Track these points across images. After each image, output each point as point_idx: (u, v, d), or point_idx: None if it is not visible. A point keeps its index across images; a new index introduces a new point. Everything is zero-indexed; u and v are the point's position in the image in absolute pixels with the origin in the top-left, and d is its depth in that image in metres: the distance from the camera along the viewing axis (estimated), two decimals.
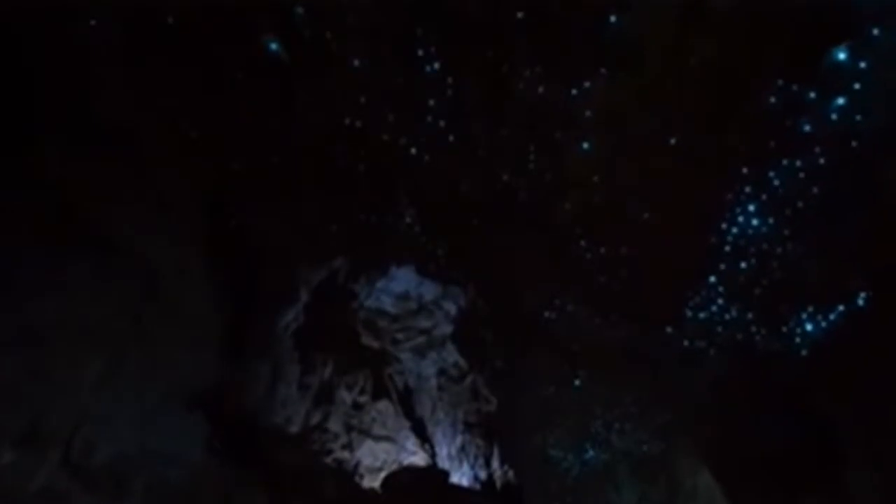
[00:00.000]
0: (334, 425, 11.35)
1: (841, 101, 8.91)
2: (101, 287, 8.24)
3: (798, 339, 10.78)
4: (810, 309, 10.47)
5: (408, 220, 10.94)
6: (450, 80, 9.22)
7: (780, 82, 8.98)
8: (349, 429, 11.54)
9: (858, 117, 8.89)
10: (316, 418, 11.16)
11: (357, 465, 11.37)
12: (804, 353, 10.72)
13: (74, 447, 7.99)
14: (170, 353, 9.02)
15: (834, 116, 9.01)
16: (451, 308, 12.68)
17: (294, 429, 10.81)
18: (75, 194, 8.29)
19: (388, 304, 12.52)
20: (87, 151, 8.43)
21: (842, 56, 8.63)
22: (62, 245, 8.06)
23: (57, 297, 7.97)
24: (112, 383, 8.38)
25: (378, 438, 11.70)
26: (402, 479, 11.35)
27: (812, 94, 8.97)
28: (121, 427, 8.42)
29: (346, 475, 11.13)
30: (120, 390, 8.40)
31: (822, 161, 9.32)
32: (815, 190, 9.49)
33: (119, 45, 8.49)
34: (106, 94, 8.52)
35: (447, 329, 12.77)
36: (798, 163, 9.44)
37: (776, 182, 9.67)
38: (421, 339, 12.71)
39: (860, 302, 10.07)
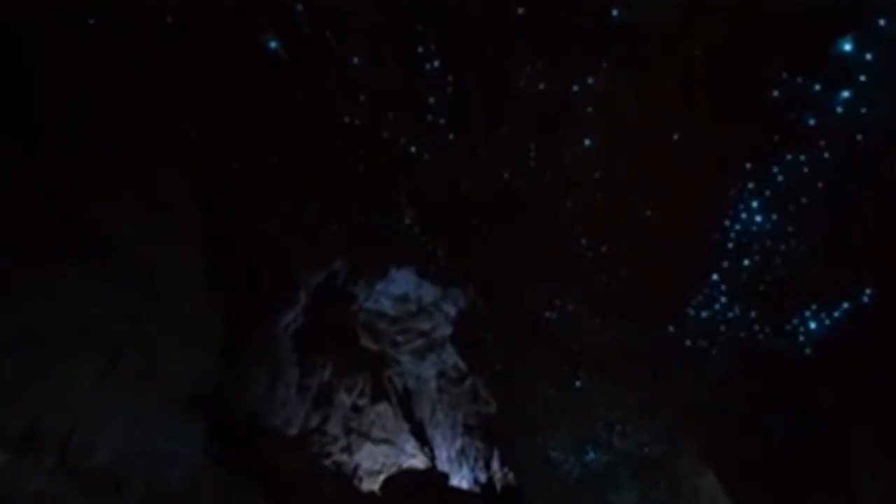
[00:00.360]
0: (333, 428, 11.29)
1: (846, 93, 8.76)
2: (99, 287, 8.18)
3: (802, 338, 10.65)
4: (814, 307, 10.33)
5: (407, 220, 10.91)
6: (450, 77, 9.17)
7: (785, 75, 8.85)
8: (348, 431, 11.47)
9: (864, 110, 8.75)
10: (315, 421, 11.09)
11: (356, 467, 11.31)
12: (808, 351, 10.59)
13: (72, 449, 7.88)
14: (169, 354, 8.93)
15: (839, 109, 8.86)
16: (451, 310, 12.64)
17: (293, 431, 10.74)
18: (75, 194, 8.23)
19: (387, 306, 12.46)
20: (87, 151, 8.38)
21: (847, 47, 8.48)
22: (61, 245, 8.00)
23: (55, 298, 7.91)
24: (110, 384, 8.29)
25: (377, 441, 11.64)
26: (402, 481, 11.28)
27: (817, 87, 8.83)
28: (119, 428, 8.31)
29: (346, 478, 11.06)
30: (118, 391, 8.31)
31: (826, 155, 9.16)
32: (820, 185, 9.35)
33: (119, 45, 8.48)
34: (106, 94, 8.49)
35: (446, 331, 12.72)
36: (802, 157, 9.29)
37: (780, 177, 9.53)
38: (420, 342, 12.66)
39: (865, 299, 9.93)
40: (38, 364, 7.60)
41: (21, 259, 7.62)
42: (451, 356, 12.73)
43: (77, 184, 8.34)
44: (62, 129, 8.30)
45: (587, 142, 9.78)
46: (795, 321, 10.66)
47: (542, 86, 9.13)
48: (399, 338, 12.60)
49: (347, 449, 11.30)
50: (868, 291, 9.94)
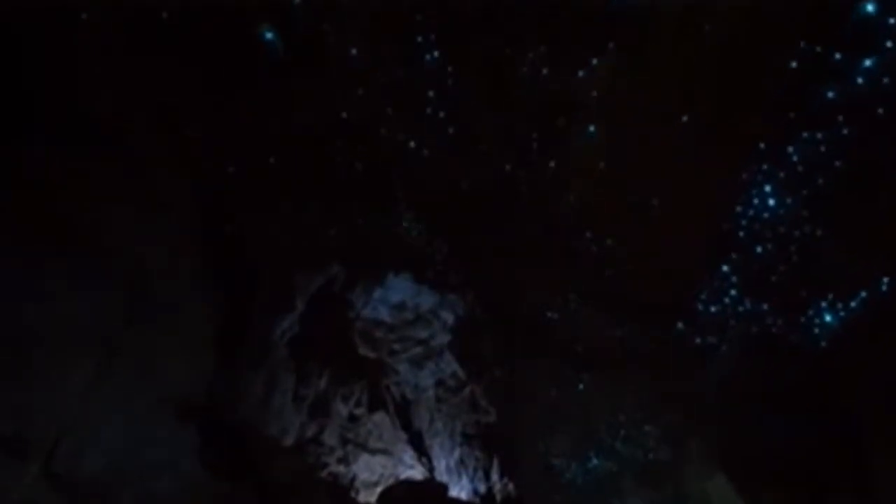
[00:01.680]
0: (330, 438, 11.09)
1: (868, 62, 8.34)
2: (95, 288, 8.02)
3: (817, 330, 10.32)
4: (830, 297, 9.98)
5: (405, 224, 10.80)
6: (450, 69, 9.06)
7: (803, 44, 8.42)
8: (345, 442, 11.28)
9: (886, 80, 8.31)
10: (311, 431, 10.89)
11: (353, 479, 11.09)
12: (823, 344, 10.26)
13: (59, 457, 7.64)
14: (162, 359, 8.74)
15: (860, 80, 8.43)
16: (449, 317, 12.49)
17: (289, 441, 10.52)
18: (70, 194, 8.13)
19: (384, 313, 12.30)
20: (87, 151, 8.28)
21: (869, 9, 8.05)
22: (55, 245, 7.87)
23: (46, 299, 7.73)
24: (101, 389, 8.08)
25: (374, 451, 11.46)
26: (399, 493, 11.05)
27: (837, 56, 8.40)
28: (109, 436, 8.10)
29: (342, 490, 10.85)
30: (109, 396, 8.11)
31: (845, 131, 8.76)
32: (838, 164, 8.97)
33: (117, 43, 8.39)
34: (103, 93, 8.39)
35: (445, 339, 12.56)
36: (819, 135, 8.91)
37: (795, 158, 9.16)
38: (418, 350, 12.49)
39: (883, 287, 9.53)
40: (23, 367, 7.37)
41: (15, 259, 7.44)
42: (449, 364, 12.54)
43: (72, 183, 8.23)
44: (59, 128, 8.16)
45: (591, 128, 9.55)
46: (810, 313, 10.29)
47: (545, 71, 8.98)
48: (396, 346, 12.42)
49: (344, 460, 11.08)
50: (886, 279, 9.53)
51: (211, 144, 9.04)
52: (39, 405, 7.35)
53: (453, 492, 11.66)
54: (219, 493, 8.92)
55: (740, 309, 10.92)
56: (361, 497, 10.91)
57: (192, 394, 9.05)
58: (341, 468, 10.96)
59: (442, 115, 9.49)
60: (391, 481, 11.26)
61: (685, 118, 9.01)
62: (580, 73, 8.86)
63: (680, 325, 11.18)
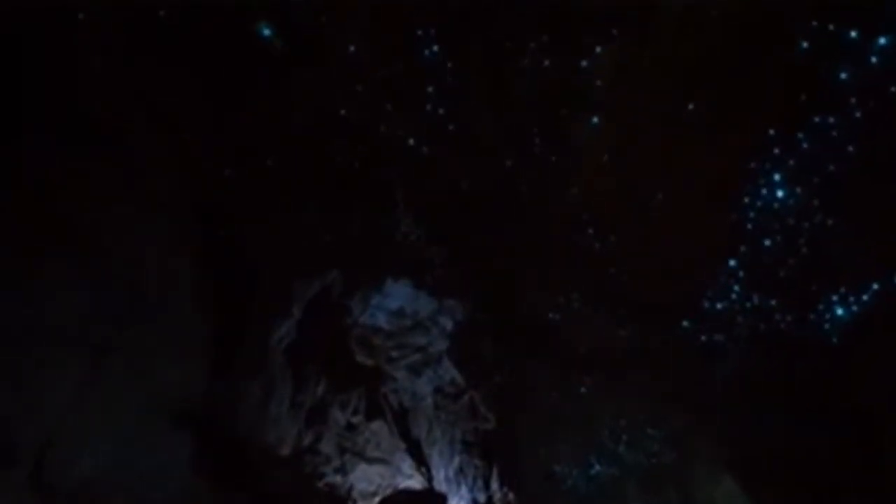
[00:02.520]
0: (327, 447, 10.91)
1: (883, 40, 8.03)
2: (90, 289, 7.86)
3: (827, 326, 10.07)
4: (841, 290, 9.74)
5: (404, 228, 10.72)
6: (450, 64, 9.03)
7: (815, 23, 8.14)
8: (342, 451, 11.10)
9: None
10: (308, 439, 10.72)
11: (350, 489, 10.91)
12: (834, 340, 10.03)
13: (46, 465, 7.42)
14: (155, 364, 8.54)
15: (874, 59, 8.14)
16: (448, 323, 12.36)
17: (285, 450, 10.35)
18: (70, 194, 8.05)
19: (382, 320, 12.15)
20: (86, 151, 8.20)
21: None
22: (49, 247, 7.74)
23: (34, 300, 7.58)
24: (91, 394, 7.88)
25: (372, 461, 11.28)
26: (398, 503, 10.96)
27: (852, 34, 8.09)
28: (99, 443, 7.88)
29: (339, 500, 10.67)
30: (99, 402, 7.90)
31: (858, 115, 8.47)
32: (850, 149, 8.69)
33: (117, 43, 8.34)
34: (103, 93, 8.31)
35: (443, 345, 12.41)
36: (831, 119, 8.60)
37: (805, 144, 8.86)
38: (416, 357, 12.33)
39: None
40: (9, 370, 7.16)
41: (13, 259, 7.36)
42: (448, 371, 12.38)
43: (68, 184, 8.13)
44: (61, 128, 8.07)
45: (595, 119, 9.39)
46: (821, 307, 10.03)
47: (546, 62, 8.86)
48: (394, 353, 12.25)
49: (341, 469, 10.88)
50: None
51: (210, 145, 8.95)
52: (27, 411, 7.15)
53: (452, 501, 11.54)
54: (214, 501, 8.69)
55: (748, 305, 10.69)
56: None
57: (189, 399, 8.87)
58: (338, 478, 10.77)
59: (441, 111, 9.42)
60: (389, 491, 11.11)
61: (691, 106, 8.89)
62: (583, 63, 8.80)
63: (685, 323, 10.99)
